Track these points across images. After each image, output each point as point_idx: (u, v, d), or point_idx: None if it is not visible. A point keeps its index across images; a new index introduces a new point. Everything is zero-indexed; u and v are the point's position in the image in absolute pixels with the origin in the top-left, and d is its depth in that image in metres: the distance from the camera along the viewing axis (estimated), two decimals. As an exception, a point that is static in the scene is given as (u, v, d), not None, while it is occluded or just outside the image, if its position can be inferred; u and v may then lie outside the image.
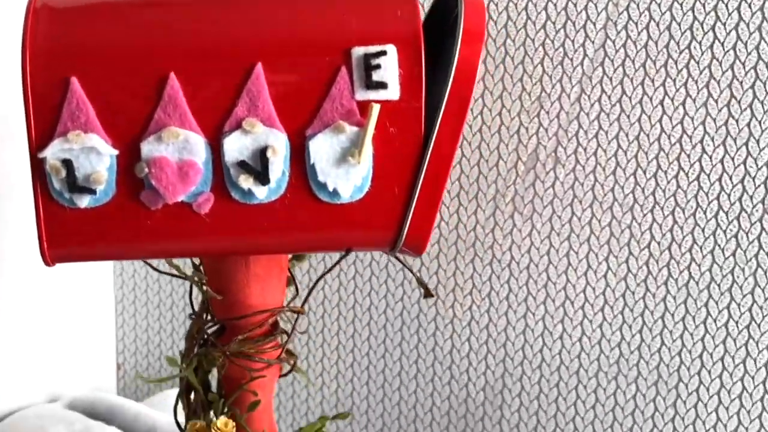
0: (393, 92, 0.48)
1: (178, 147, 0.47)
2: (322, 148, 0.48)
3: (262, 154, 0.48)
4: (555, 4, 0.76)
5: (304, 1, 0.50)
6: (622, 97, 0.75)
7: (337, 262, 0.53)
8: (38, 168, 0.47)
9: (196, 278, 0.55)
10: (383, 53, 0.48)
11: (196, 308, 0.58)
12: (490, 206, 0.82)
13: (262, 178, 0.48)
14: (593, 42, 0.75)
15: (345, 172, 0.48)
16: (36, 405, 0.84)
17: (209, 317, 0.57)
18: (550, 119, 0.78)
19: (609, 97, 0.76)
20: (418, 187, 0.49)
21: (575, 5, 0.75)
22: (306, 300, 0.57)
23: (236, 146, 0.48)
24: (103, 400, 0.85)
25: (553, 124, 0.78)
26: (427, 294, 0.59)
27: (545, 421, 0.83)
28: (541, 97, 0.78)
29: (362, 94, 0.48)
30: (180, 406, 0.58)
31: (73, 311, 0.93)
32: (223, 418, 0.54)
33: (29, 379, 0.87)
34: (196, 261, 0.57)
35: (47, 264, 0.49)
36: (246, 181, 0.48)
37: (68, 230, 0.48)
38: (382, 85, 0.48)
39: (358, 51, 0.48)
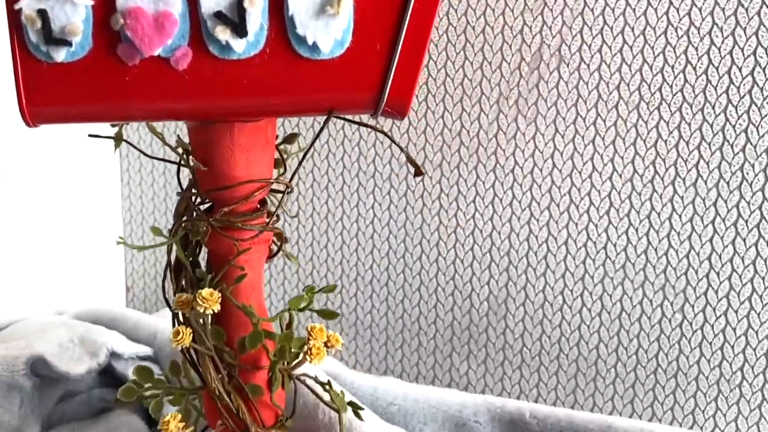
0: (373, -61, 0.47)
1: (154, -3, 0.46)
2: (301, -2, 0.47)
3: (239, 5, 0.47)
4: None
5: None
6: (628, -11, 0.73)
7: (322, 127, 0.52)
8: (15, 20, 0.47)
9: (180, 148, 0.54)
10: None
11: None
12: (494, 110, 0.80)
13: (240, 29, 0.47)
14: (597, -67, 0.73)
15: (324, 24, 0.47)
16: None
17: (197, 195, 0.56)
18: (554, 16, 0.76)
19: (614, -10, 0.73)
20: (401, 43, 0.48)
21: None
22: (295, 173, 0.56)
23: (213, -4, 0.47)
24: (105, 310, 0.85)
25: (557, 22, 0.76)
26: (418, 172, 0.57)
27: (550, 330, 0.82)
28: (545, -7, 0.76)
29: (342, -59, 0.46)
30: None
31: (81, 232, 0.93)
32: (208, 289, 0.53)
33: (36, 300, 0.88)
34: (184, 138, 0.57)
35: (27, 124, 0.49)
36: (223, 33, 0.47)
37: (47, 87, 0.48)
38: (361, -69, 0.46)
39: None
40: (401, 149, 0.57)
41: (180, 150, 0.55)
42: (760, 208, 0.73)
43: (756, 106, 0.71)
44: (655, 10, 0.73)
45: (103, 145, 0.95)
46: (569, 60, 0.76)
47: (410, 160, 0.57)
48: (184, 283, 0.58)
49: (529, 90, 0.78)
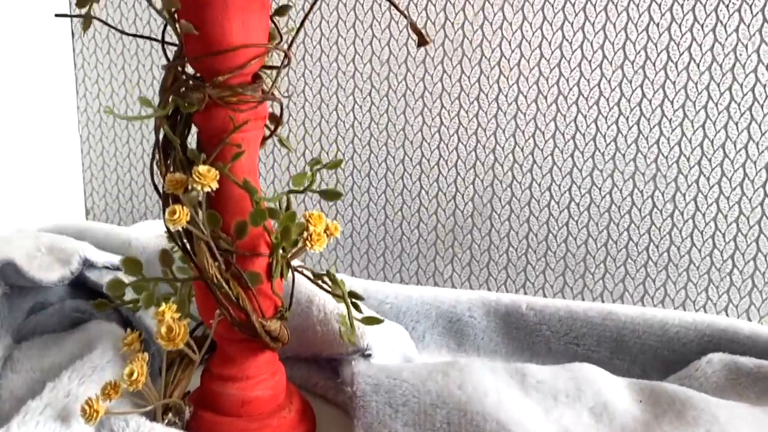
0: None
1: None
2: None
3: None
4: None
5: None
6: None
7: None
8: None
9: (168, 10, 0.49)
10: None
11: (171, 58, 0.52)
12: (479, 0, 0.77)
13: None
14: None
15: None
16: None
17: (184, 66, 0.52)
18: None
19: None
20: None
21: None
22: (293, 41, 0.52)
23: None
24: (71, 225, 0.80)
25: None
26: (422, 42, 0.54)
27: (537, 228, 0.80)
28: None
29: None
30: (156, 169, 0.53)
31: (38, 155, 0.87)
32: (204, 166, 0.49)
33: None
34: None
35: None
36: None
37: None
38: None
39: None
40: (404, 15, 0.54)
41: (165, 15, 0.50)
42: (752, 90, 0.72)
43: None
44: None
45: (57, 55, 0.88)
46: (557, -58, 0.73)
47: (414, 28, 0.54)
48: (172, 166, 0.53)
49: (515, -24, 0.75)
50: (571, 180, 0.78)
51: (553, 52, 0.76)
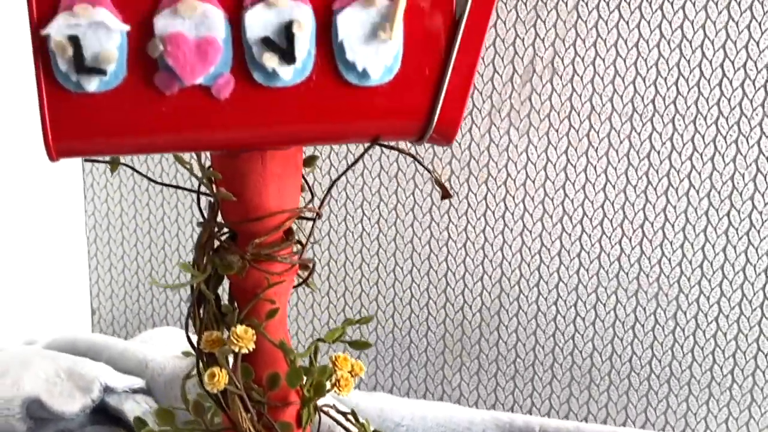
0: (425, -38, 0.45)
1: (196, 22, 0.43)
2: (351, 22, 0.45)
3: (287, 30, 0.44)
4: None
5: None
6: (621, 2, 0.74)
7: (364, 153, 0.50)
8: (41, 47, 0.43)
9: (208, 177, 0.51)
10: None
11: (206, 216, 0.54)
12: (486, 123, 0.79)
13: (288, 56, 0.44)
14: (591, -55, 0.73)
15: (375, 49, 0.45)
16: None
17: (218, 225, 0.53)
18: (547, 29, 0.76)
19: (607, 4, 0.74)
20: (450, 68, 0.47)
21: None
22: (323, 202, 0.54)
23: (259, 21, 0.44)
24: (83, 339, 0.80)
25: (550, 34, 0.76)
26: (445, 195, 0.56)
27: (543, 340, 0.82)
28: (538, 5, 0.76)
29: (392, -36, 0.45)
30: (191, 323, 0.55)
31: (45, 255, 0.88)
32: (242, 327, 0.51)
33: (1, 323, 0.82)
34: (204, 162, 0.53)
35: (51, 158, 0.45)
36: (270, 60, 0.44)
37: (75, 118, 0.44)
38: (413, -46, 0.45)
39: None
40: (429, 171, 0.56)
41: (205, 182, 0.52)
42: (749, 216, 0.75)
43: (746, 117, 0.73)
44: (648, 22, 0.73)
45: (66, 162, 0.89)
46: (562, 72, 0.76)
47: (439, 183, 0.56)
48: (204, 317, 0.55)
49: (522, 102, 0.78)
50: (576, 296, 0.81)
51: (557, 174, 0.79)
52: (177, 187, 0.55)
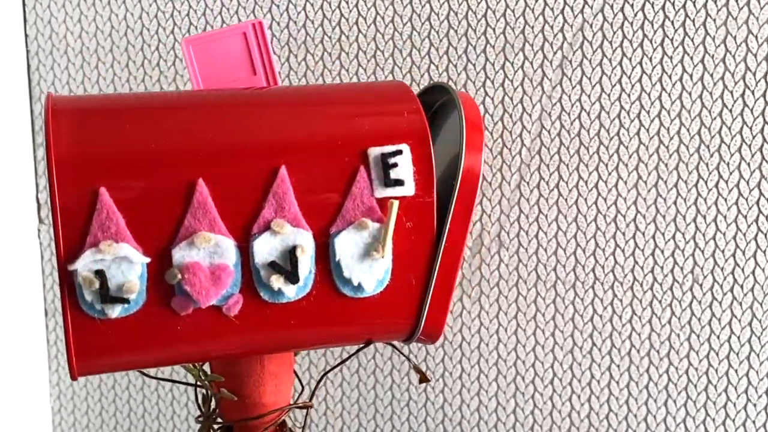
0: (409, 189, 0.51)
1: (209, 251, 0.48)
2: (347, 244, 0.50)
3: (291, 254, 0.49)
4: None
5: (318, 105, 0.53)
6: (559, 182, 0.82)
7: (355, 353, 0.54)
8: (67, 280, 0.47)
9: (209, 381, 0.55)
10: (399, 152, 0.51)
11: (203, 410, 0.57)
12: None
13: (292, 277, 0.49)
14: (530, 131, 0.82)
15: (369, 266, 0.51)
16: None
17: (216, 419, 0.57)
18: (492, 206, 0.84)
19: (547, 183, 0.82)
20: (434, 277, 0.52)
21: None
22: (313, 394, 0.58)
23: (266, 247, 0.49)
24: None
25: (495, 210, 0.83)
26: (423, 379, 0.61)
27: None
28: (482, 185, 0.84)
29: (381, 192, 0.51)
30: None
31: None
32: None
33: None
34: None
35: (73, 378, 0.48)
36: (277, 281, 0.49)
37: (97, 341, 0.48)
38: (399, 183, 0.51)
39: (375, 151, 0.51)
40: (408, 359, 0.61)
41: (207, 383, 0.56)
42: (749, 337, 0.82)
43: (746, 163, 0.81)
44: (608, 164, 0.82)
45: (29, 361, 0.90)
46: (508, 245, 0.84)
47: (417, 369, 0.61)
48: None
49: (472, 272, 0.85)
50: (570, 406, 0.85)
51: (509, 338, 0.85)
52: (180, 382, 0.58)
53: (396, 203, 0.50)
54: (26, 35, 0.88)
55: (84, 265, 0.47)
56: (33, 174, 0.90)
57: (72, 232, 0.46)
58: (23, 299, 0.89)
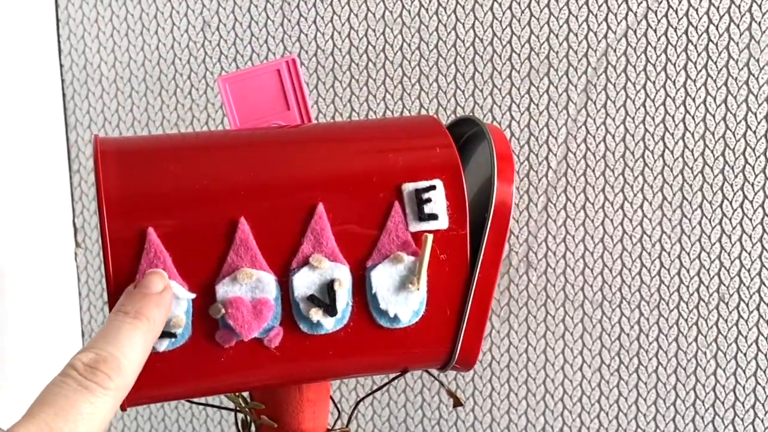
0: (443, 222, 0.53)
1: (251, 286, 0.50)
2: (383, 277, 0.52)
3: (329, 288, 0.51)
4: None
5: (352, 141, 0.55)
6: (585, 204, 0.83)
7: (390, 381, 0.56)
8: (117, 317, 0.49)
9: (250, 408, 0.57)
10: (432, 188, 0.53)
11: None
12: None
13: (331, 309, 0.51)
14: (555, 154, 0.83)
15: (404, 298, 0.52)
16: None
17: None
18: (520, 227, 0.85)
19: (573, 205, 0.83)
20: (468, 307, 0.54)
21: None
22: (350, 419, 0.60)
23: (305, 282, 0.51)
24: None
25: (523, 232, 0.85)
26: (456, 403, 0.63)
27: None
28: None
29: (415, 226, 0.53)
30: None
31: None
32: None
33: None
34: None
35: (122, 409, 0.50)
36: (316, 314, 0.51)
37: (145, 374, 0.49)
38: (433, 217, 0.53)
39: (409, 187, 0.53)
40: (442, 384, 0.63)
41: (247, 410, 0.58)
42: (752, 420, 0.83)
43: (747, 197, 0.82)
44: (619, 206, 0.83)
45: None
46: (536, 265, 0.85)
47: (450, 393, 0.62)
48: None
49: (501, 292, 0.86)
50: (562, 468, 0.87)
51: (538, 356, 0.86)
52: (220, 407, 0.60)
53: (430, 237, 0.52)
54: (61, 65, 0.91)
55: (133, 304, 0.49)
56: (69, 199, 0.92)
57: (121, 270, 0.49)
58: (61, 320, 0.92)
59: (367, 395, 0.59)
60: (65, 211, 0.92)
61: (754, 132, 0.79)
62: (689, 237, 0.82)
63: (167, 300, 0.48)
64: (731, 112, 0.79)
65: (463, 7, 0.82)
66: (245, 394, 0.58)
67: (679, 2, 0.78)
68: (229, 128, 0.58)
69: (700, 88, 0.79)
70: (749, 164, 0.80)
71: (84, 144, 0.91)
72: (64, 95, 0.91)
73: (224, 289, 0.50)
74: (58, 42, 0.90)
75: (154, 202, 0.50)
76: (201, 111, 0.89)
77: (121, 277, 0.49)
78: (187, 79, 0.88)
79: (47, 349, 0.89)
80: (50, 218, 0.90)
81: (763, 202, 0.80)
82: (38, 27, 0.88)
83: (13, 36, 0.84)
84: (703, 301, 0.82)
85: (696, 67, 0.79)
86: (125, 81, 0.89)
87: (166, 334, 0.49)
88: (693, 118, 0.80)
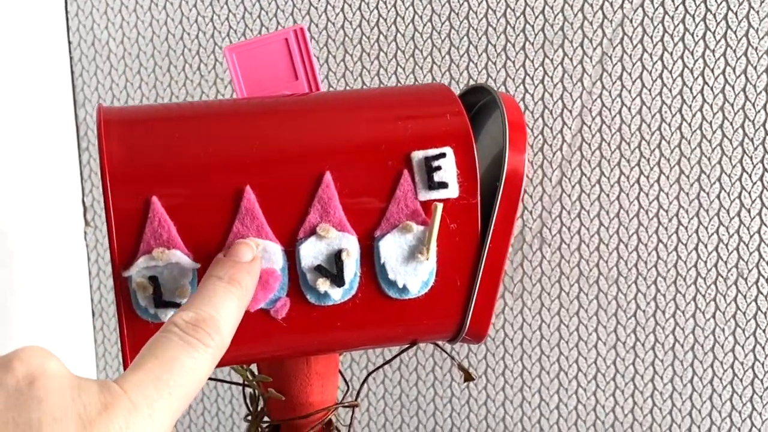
0: (453, 191, 0.52)
1: (258, 256, 0.49)
2: (392, 247, 0.51)
3: (336, 258, 0.50)
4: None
5: (360, 110, 0.54)
6: (600, 178, 0.82)
7: (399, 353, 0.55)
8: (122, 286, 0.48)
9: (257, 381, 0.56)
10: (443, 155, 0.51)
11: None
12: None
13: (338, 280, 0.50)
14: (570, 127, 0.82)
15: (413, 268, 0.51)
16: None
17: (264, 418, 0.58)
18: (534, 202, 0.84)
19: (588, 179, 0.82)
20: (479, 277, 0.53)
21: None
22: (359, 393, 0.59)
23: (312, 252, 0.50)
24: None
25: (537, 207, 0.84)
26: (468, 378, 0.61)
27: (549, 492, 0.86)
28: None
29: (425, 195, 0.51)
30: None
31: None
32: None
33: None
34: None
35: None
36: (323, 284, 0.50)
37: (150, 345, 0.49)
38: (443, 185, 0.51)
39: (418, 155, 0.51)
40: (453, 359, 0.62)
41: (255, 383, 0.57)
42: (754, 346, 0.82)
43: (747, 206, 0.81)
44: (627, 195, 0.82)
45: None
46: (550, 242, 0.84)
47: (461, 368, 0.61)
48: None
49: (514, 269, 0.85)
50: (576, 447, 0.86)
51: (552, 333, 0.85)
52: (228, 381, 0.60)
53: (440, 206, 0.51)
54: (69, 42, 0.90)
55: (138, 271, 0.48)
56: (79, 178, 0.92)
57: (126, 240, 0.48)
58: (71, 300, 0.91)
59: (377, 368, 0.58)
60: (75, 189, 0.91)
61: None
62: (707, 211, 0.80)
63: (256, 269, 0.47)
64: (751, 83, 0.77)
65: (476, -22, 0.80)
66: (253, 367, 0.58)
67: (697, -30, 0.76)
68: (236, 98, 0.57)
69: (719, 58, 0.77)
70: None
71: (93, 122, 0.91)
72: (72, 72, 0.90)
73: (229, 259, 0.49)
74: (66, 19, 0.89)
75: (159, 171, 0.49)
76: (210, 87, 0.88)
77: (126, 249, 0.48)
78: (195, 55, 0.87)
79: (58, 327, 0.89)
80: (60, 197, 0.89)
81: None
82: (46, 4, 0.87)
83: (21, 13, 0.84)
84: (722, 276, 0.81)
85: (715, 37, 0.77)
86: (134, 57, 0.88)
87: (171, 304, 0.48)
88: (712, 89, 0.78)
